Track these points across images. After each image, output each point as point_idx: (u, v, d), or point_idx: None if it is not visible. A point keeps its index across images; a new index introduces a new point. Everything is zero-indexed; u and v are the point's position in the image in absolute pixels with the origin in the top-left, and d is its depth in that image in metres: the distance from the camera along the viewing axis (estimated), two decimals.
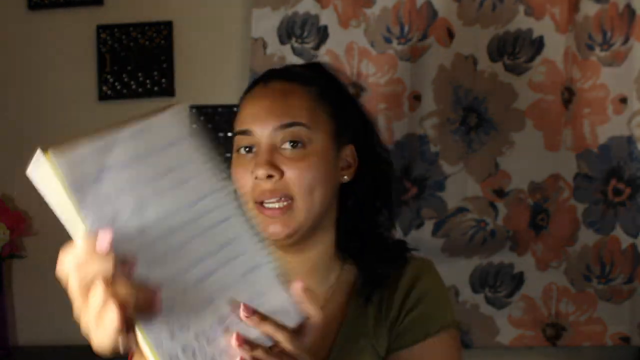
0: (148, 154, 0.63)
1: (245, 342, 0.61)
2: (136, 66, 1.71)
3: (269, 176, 0.79)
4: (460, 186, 1.60)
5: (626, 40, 1.56)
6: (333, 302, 0.87)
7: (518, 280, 1.63)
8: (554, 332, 1.62)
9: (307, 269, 0.87)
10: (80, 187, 0.59)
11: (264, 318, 0.62)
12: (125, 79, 1.71)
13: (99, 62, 1.72)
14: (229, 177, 0.66)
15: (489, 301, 1.64)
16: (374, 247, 0.89)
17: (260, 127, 0.82)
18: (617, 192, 1.59)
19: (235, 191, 0.66)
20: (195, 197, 0.64)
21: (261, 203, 0.80)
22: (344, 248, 0.88)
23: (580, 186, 1.59)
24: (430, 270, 0.91)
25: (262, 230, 0.78)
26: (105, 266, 0.52)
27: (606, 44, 1.57)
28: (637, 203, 1.59)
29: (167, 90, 1.70)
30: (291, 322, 0.64)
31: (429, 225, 1.61)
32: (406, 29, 1.60)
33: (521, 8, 1.57)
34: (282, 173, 0.80)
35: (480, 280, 1.63)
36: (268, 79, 0.87)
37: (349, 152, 0.87)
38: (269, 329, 0.62)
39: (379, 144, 0.93)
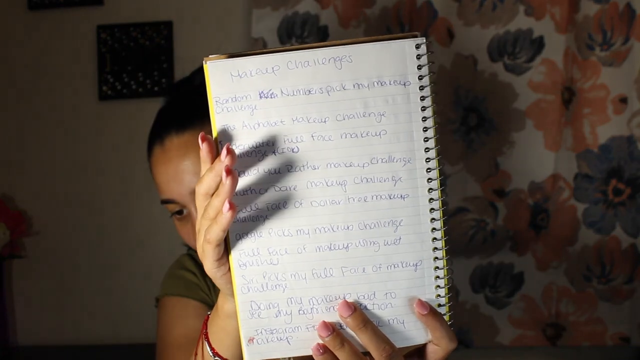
0: (341, 88, 0.53)
1: (336, 337, 0.55)
2: (136, 66, 1.71)
3: None
4: (460, 186, 1.60)
5: (626, 40, 1.56)
6: None
7: (518, 280, 1.63)
8: (554, 332, 1.62)
9: None
10: (225, 103, 0.53)
11: (365, 321, 0.55)
12: (125, 79, 1.71)
13: (99, 62, 1.72)
14: (431, 149, 0.55)
15: (489, 301, 1.64)
16: None
17: (178, 194, 0.82)
18: (617, 192, 1.59)
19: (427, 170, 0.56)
20: (378, 155, 0.54)
21: None
22: None
23: (580, 186, 1.60)
24: None
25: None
26: (224, 182, 0.51)
27: (606, 44, 1.57)
28: (637, 203, 1.59)
29: (167, 90, 1.70)
30: (404, 341, 0.56)
31: None
32: (406, 29, 1.59)
33: (521, 8, 1.57)
34: None
35: (480, 280, 1.63)
36: (162, 136, 0.85)
37: None
38: (366, 337, 0.55)
39: None
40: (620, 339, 1.61)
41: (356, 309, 0.55)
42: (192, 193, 0.81)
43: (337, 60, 0.53)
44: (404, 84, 0.54)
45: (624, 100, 1.57)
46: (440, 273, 0.56)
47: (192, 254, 1.00)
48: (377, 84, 0.54)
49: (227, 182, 0.51)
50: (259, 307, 0.56)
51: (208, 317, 0.67)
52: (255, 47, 1.62)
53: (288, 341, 0.56)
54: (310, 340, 0.56)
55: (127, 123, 1.72)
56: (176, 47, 1.71)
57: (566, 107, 1.58)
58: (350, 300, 0.56)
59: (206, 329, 0.66)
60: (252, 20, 1.62)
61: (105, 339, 1.72)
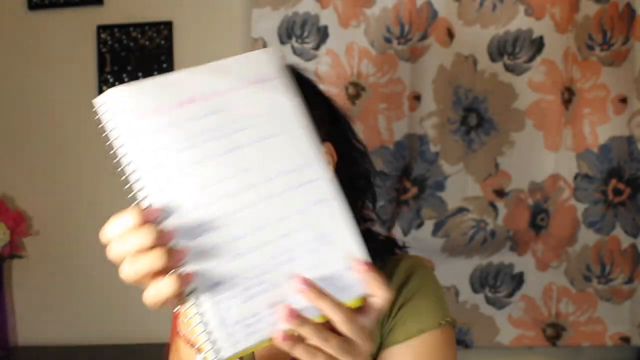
0: (225, 92, 0.60)
1: (295, 316, 0.57)
2: (136, 66, 1.71)
3: None
4: (460, 186, 1.60)
5: (626, 40, 1.56)
6: None
7: (518, 280, 1.63)
8: (554, 332, 1.62)
9: None
10: (127, 123, 0.56)
11: (321, 293, 0.58)
12: (125, 79, 1.71)
13: (99, 62, 1.72)
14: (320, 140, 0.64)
15: (489, 301, 1.64)
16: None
17: None
18: (617, 192, 1.59)
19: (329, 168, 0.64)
20: (279, 166, 0.60)
21: None
22: None
23: (580, 186, 1.60)
24: (424, 267, 0.90)
25: None
26: (145, 238, 0.54)
27: (606, 44, 1.57)
28: (637, 203, 1.59)
29: None
30: (350, 295, 0.60)
31: (429, 225, 1.61)
32: (406, 29, 1.59)
33: (521, 8, 1.57)
34: None
35: (480, 280, 1.63)
36: None
37: (326, 150, 0.86)
38: (325, 306, 0.58)
39: (355, 136, 0.92)
40: (620, 339, 1.61)
41: (309, 282, 0.58)
42: None
43: (217, 70, 0.61)
44: (272, 81, 0.62)
45: (624, 100, 1.57)
46: (353, 230, 0.63)
47: None
48: (252, 84, 0.62)
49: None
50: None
51: (176, 317, 0.68)
52: (255, 47, 1.62)
53: (254, 327, 0.58)
54: (274, 323, 0.58)
55: None
56: (176, 47, 1.70)
57: (566, 107, 1.58)
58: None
59: (177, 330, 0.67)
60: (252, 20, 1.62)
61: (105, 339, 1.72)
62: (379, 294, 0.60)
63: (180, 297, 0.56)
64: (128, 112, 0.57)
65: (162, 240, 0.55)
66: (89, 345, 1.71)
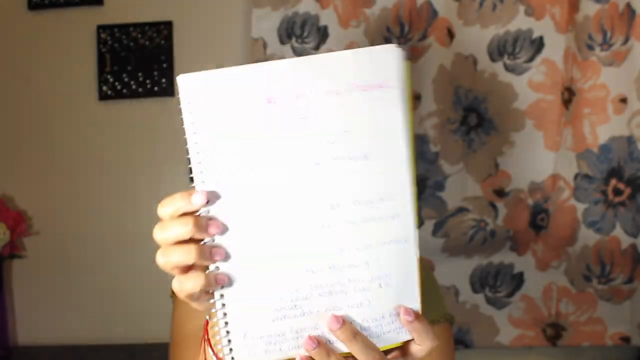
0: (326, 93, 0.52)
1: (322, 345, 0.55)
2: (136, 66, 1.71)
3: None
4: (460, 186, 1.60)
5: (626, 40, 1.56)
6: None
7: (518, 280, 1.63)
8: (554, 332, 1.62)
9: None
10: (197, 114, 0.52)
11: (354, 335, 0.56)
12: (125, 79, 1.71)
13: (99, 62, 1.72)
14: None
15: (489, 301, 1.64)
16: None
17: None
18: (617, 192, 1.59)
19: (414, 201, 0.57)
20: (360, 191, 0.54)
21: None
22: None
23: (580, 186, 1.59)
24: (422, 266, 0.90)
25: None
26: (185, 229, 0.53)
27: (606, 44, 1.57)
28: (637, 203, 1.59)
29: (167, 90, 1.71)
30: (387, 342, 0.57)
31: (429, 225, 1.61)
32: (406, 29, 1.60)
33: (521, 8, 1.57)
34: None
35: (480, 280, 1.63)
36: None
37: None
38: (356, 349, 0.56)
39: None
40: (620, 339, 1.61)
41: (344, 322, 0.56)
42: None
43: (311, 64, 0.53)
44: (383, 89, 0.53)
45: (624, 100, 1.57)
46: (416, 276, 0.58)
47: None
48: (356, 90, 0.53)
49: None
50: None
51: (207, 322, 0.67)
52: (255, 47, 1.62)
53: (276, 346, 0.56)
54: (297, 346, 0.56)
55: (127, 123, 1.72)
56: (176, 47, 1.70)
57: (566, 107, 1.58)
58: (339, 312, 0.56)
59: (207, 334, 0.66)
60: (252, 20, 1.62)
61: (105, 339, 1.72)
62: (425, 345, 0.59)
63: (208, 295, 0.55)
64: (212, 99, 0.52)
65: (201, 233, 0.53)
66: (89, 345, 1.71)
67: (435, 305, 0.86)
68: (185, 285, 0.54)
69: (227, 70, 0.52)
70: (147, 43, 1.70)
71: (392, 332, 0.58)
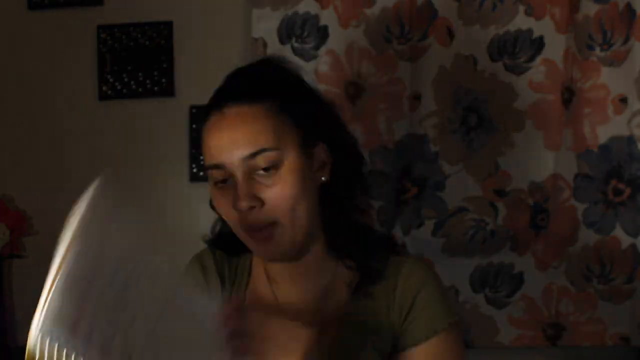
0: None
1: None
2: (136, 66, 1.71)
3: (251, 207, 0.80)
4: (460, 186, 1.60)
5: (626, 40, 1.56)
6: (331, 300, 0.88)
7: (518, 280, 1.63)
8: (554, 332, 1.62)
9: (300, 273, 0.88)
10: None
11: None
12: (125, 79, 1.71)
13: (99, 62, 1.72)
14: None
15: (489, 301, 1.64)
16: (360, 240, 0.89)
17: (228, 159, 0.81)
18: (617, 192, 1.59)
19: None
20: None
21: (250, 229, 0.82)
22: (337, 247, 0.89)
23: (580, 186, 1.59)
24: (427, 269, 0.92)
25: (256, 252, 0.84)
26: None
27: (606, 44, 1.57)
28: (637, 203, 1.59)
29: (167, 90, 1.70)
30: None
31: (429, 225, 1.61)
32: (406, 29, 1.59)
33: (521, 8, 1.57)
34: (262, 201, 0.80)
35: (480, 280, 1.63)
36: (221, 105, 0.84)
37: (321, 151, 0.86)
38: None
39: (347, 133, 0.92)
40: (620, 339, 1.61)
41: None
42: (242, 161, 0.80)
43: None
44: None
45: (624, 100, 1.57)
46: None
47: (212, 250, 0.97)
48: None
49: None
50: None
51: None
52: (255, 47, 1.62)
53: None
54: None
55: (127, 123, 1.72)
56: (176, 47, 1.71)
57: (566, 107, 1.58)
58: None
59: None
60: (252, 20, 1.62)
61: None
62: None
63: None
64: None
65: None
66: None
67: (446, 308, 0.88)
68: None
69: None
70: (147, 43, 1.70)
71: None
